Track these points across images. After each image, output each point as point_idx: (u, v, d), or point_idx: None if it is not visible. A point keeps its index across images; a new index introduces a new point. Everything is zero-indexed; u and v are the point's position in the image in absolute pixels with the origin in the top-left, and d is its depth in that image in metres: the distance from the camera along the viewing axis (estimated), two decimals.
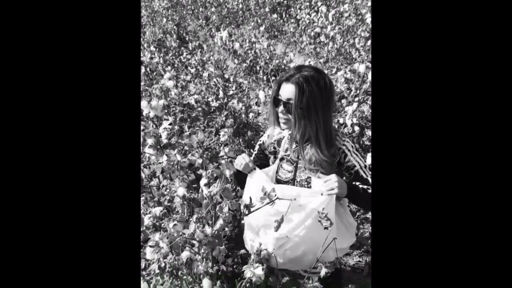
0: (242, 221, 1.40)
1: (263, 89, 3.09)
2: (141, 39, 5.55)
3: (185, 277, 1.14)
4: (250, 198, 1.12)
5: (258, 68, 4.12)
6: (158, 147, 1.33)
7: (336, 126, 2.26)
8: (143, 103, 1.81)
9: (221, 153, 1.26)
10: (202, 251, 1.11)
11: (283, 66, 4.02)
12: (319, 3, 6.33)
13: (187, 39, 6.48)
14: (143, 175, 1.47)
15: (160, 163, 1.29)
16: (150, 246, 1.02)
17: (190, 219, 1.07)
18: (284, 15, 7.36)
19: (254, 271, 1.00)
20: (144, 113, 1.87)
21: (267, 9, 7.51)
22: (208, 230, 1.02)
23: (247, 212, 1.10)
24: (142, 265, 1.75)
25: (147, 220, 1.21)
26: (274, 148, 1.40)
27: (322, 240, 1.05)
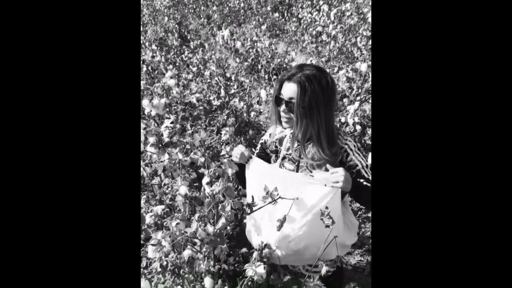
0: (244, 221, 1.40)
1: (264, 88, 3.09)
2: (143, 38, 5.55)
3: (186, 275, 1.14)
4: (252, 197, 1.12)
5: (259, 67, 4.12)
6: (160, 145, 1.33)
7: (338, 125, 2.25)
8: (145, 102, 1.81)
9: (223, 152, 1.27)
10: (204, 249, 1.11)
11: (284, 65, 4.01)
12: (321, 2, 6.32)
13: (188, 37, 6.48)
14: (144, 174, 1.48)
15: (161, 161, 1.29)
16: (152, 245, 1.02)
17: (192, 218, 1.07)
18: (285, 14, 7.35)
19: (255, 270, 1.00)
20: (145, 112, 1.87)
21: (268, 8, 7.51)
22: (210, 228, 1.02)
23: (249, 211, 1.10)
24: (144, 263, 1.75)
25: (148, 219, 1.21)
26: (276, 147, 1.40)
27: (325, 235, 1.05)
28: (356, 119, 2.33)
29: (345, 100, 2.64)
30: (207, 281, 1.09)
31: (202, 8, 8.70)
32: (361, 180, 1.21)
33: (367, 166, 1.26)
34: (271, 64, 4.01)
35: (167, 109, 2.03)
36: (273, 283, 1.24)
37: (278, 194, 1.08)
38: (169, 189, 1.42)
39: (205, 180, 1.10)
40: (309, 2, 6.86)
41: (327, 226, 1.04)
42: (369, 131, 2.42)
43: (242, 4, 7.99)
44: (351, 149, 1.26)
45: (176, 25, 6.78)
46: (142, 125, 1.33)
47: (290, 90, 1.19)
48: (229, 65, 3.76)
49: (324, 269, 1.07)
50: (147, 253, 1.08)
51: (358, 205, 2.40)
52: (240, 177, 1.36)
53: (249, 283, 1.04)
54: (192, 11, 8.90)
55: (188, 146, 1.36)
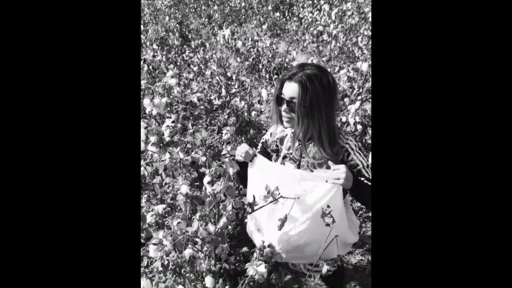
0: (246, 220, 1.40)
1: (265, 88, 3.09)
2: (144, 37, 5.54)
3: (188, 275, 1.14)
4: (254, 196, 1.12)
5: (260, 66, 4.12)
6: (161, 144, 1.33)
7: (339, 125, 2.25)
8: (146, 101, 1.81)
9: (224, 151, 1.27)
10: (205, 249, 1.11)
11: (285, 65, 4.01)
12: (322, 2, 6.31)
13: (189, 37, 6.48)
14: (145, 173, 1.48)
15: (162, 160, 1.29)
16: (154, 244, 1.02)
17: (193, 217, 1.07)
18: (286, 14, 7.34)
19: (256, 269, 1.00)
20: (147, 111, 1.87)
21: (269, 8, 7.50)
22: (211, 228, 1.02)
23: (250, 211, 1.10)
24: (145, 262, 1.75)
25: (149, 218, 1.21)
26: (277, 146, 1.40)
27: (325, 233, 1.05)
28: (357, 119, 2.33)
29: (346, 99, 2.64)
30: (208, 280, 1.10)
31: (203, 7, 8.69)
32: (362, 179, 1.21)
33: (367, 166, 1.26)
34: (272, 64, 4.00)
35: (168, 109, 2.03)
36: (274, 282, 1.24)
37: (279, 193, 1.08)
38: (170, 188, 1.42)
39: (206, 179, 1.10)
40: (310, 2, 6.85)
41: (328, 225, 1.04)
42: (370, 131, 2.42)
43: (243, 4, 7.98)
44: (352, 149, 1.26)
45: (177, 25, 6.78)
46: (144, 124, 1.33)
47: (291, 89, 1.19)
48: (230, 64, 3.76)
49: (325, 268, 1.07)
50: (148, 252, 1.08)
51: (359, 204, 2.40)
52: (242, 176, 1.36)
53: (251, 282, 1.04)
54: (193, 10, 8.90)
55: (189, 146, 1.36)
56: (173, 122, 1.49)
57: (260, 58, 4.20)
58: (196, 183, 1.62)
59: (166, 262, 1.02)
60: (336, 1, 6.34)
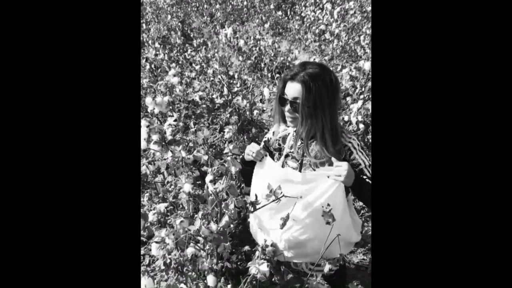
0: (248, 219, 1.40)
1: (267, 86, 3.09)
2: (146, 36, 5.55)
3: (190, 273, 1.15)
4: (256, 195, 1.12)
5: (262, 65, 4.12)
6: (163, 143, 1.33)
7: (341, 124, 2.25)
8: (148, 100, 1.81)
9: (226, 150, 1.27)
10: (207, 247, 1.11)
11: (287, 64, 4.01)
12: (324, 0, 6.30)
13: (191, 36, 6.47)
14: (147, 171, 1.48)
15: (165, 159, 1.29)
16: (156, 242, 1.02)
17: (196, 216, 1.07)
18: (289, 12, 7.34)
19: (259, 268, 1.00)
20: (149, 110, 1.87)
21: (271, 6, 7.49)
22: (213, 226, 1.02)
23: (252, 210, 1.10)
24: (147, 261, 1.75)
25: (151, 216, 1.21)
26: (279, 145, 1.40)
27: (327, 229, 1.05)
28: (359, 118, 2.33)
29: (348, 98, 2.63)
30: (210, 279, 1.10)
31: (205, 6, 8.69)
32: (364, 177, 1.21)
33: (369, 165, 1.25)
34: (274, 63, 4.00)
35: (170, 107, 2.03)
36: (275, 281, 1.24)
37: (281, 193, 1.08)
38: (172, 187, 1.42)
39: (209, 178, 1.10)
40: (312, 1, 6.84)
41: (328, 223, 1.04)
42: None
43: (245, 2, 7.97)
44: (354, 148, 1.25)
45: (179, 23, 6.78)
46: (146, 123, 1.33)
47: (294, 90, 1.18)
48: (232, 63, 3.76)
49: (327, 267, 1.07)
50: (150, 250, 1.08)
51: (361, 204, 2.40)
52: (245, 175, 1.36)
53: (253, 281, 1.04)
54: (195, 9, 8.90)
55: (191, 144, 1.36)
56: (175, 120, 1.49)
57: (262, 57, 4.20)
58: (198, 182, 1.62)
59: (168, 261, 1.02)
60: (338, 0, 6.33)
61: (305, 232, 1.19)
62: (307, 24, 5.96)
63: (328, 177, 1.12)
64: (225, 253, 1.10)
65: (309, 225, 1.18)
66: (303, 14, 6.55)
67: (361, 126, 2.31)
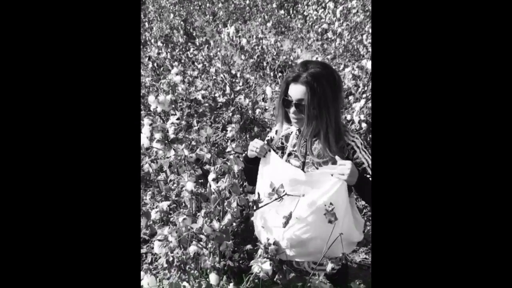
0: (252, 218, 1.40)
1: (270, 85, 3.09)
2: (149, 35, 5.55)
3: (192, 271, 1.15)
4: (258, 194, 1.12)
5: (265, 64, 4.11)
6: (166, 141, 1.33)
7: (344, 123, 2.24)
8: (151, 98, 1.81)
9: (229, 149, 1.27)
10: (210, 245, 1.11)
11: (290, 62, 4.00)
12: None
13: (194, 34, 6.47)
14: (150, 170, 1.48)
15: (167, 157, 1.30)
16: (159, 240, 1.02)
17: (198, 214, 1.07)
18: (291, 11, 7.33)
19: (261, 266, 1.00)
20: (151, 108, 1.87)
21: (274, 5, 7.48)
22: (216, 225, 1.02)
23: (255, 208, 1.10)
24: (149, 259, 1.76)
25: (154, 214, 1.22)
26: (282, 143, 1.40)
27: (329, 228, 1.05)
28: (362, 117, 2.32)
29: (350, 97, 2.63)
30: (212, 277, 1.10)
31: (208, 5, 8.69)
32: (367, 176, 1.21)
33: None
34: (277, 61, 4.00)
35: (173, 106, 2.03)
36: (278, 280, 1.24)
37: (284, 191, 1.08)
38: (175, 185, 1.42)
39: (211, 176, 1.10)
40: (315, 0, 6.83)
41: (330, 222, 1.04)
42: None
43: (247, 1, 7.96)
44: (357, 147, 1.25)
45: (182, 22, 6.78)
46: (149, 121, 1.33)
47: (298, 91, 1.18)
48: (235, 62, 3.75)
49: (329, 266, 1.07)
50: (153, 248, 1.08)
51: (363, 203, 2.40)
52: (249, 173, 1.36)
53: (255, 280, 1.04)
54: (198, 8, 8.89)
55: (194, 143, 1.37)
56: (178, 119, 1.49)
57: (265, 55, 4.19)
58: (200, 180, 1.62)
59: (171, 259, 1.03)
60: None
61: (307, 231, 1.19)
62: (310, 23, 5.95)
63: (332, 175, 1.13)
64: (228, 251, 1.10)
65: (312, 224, 1.18)
66: (305, 13, 6.54)
67: (364, 125, 2.30)
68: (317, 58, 3.72)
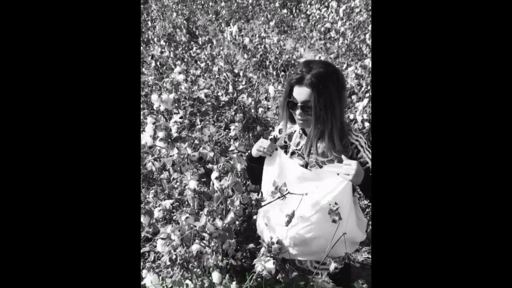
0: (254, 217, 1.40)
1: (272, 84, 3.08)
2: (152, 34, 5.56)
3: (195, 270, 1.15)
4: (261, 192, 1.12)
5: (267, 63, 4.12)
6: (169, 140, 1.33)
7: (347, 122, 2.24)
8: (154, 97, 1.81)
9: (231, 148, 1.27)
10: (212, 244, 1.11)
11: (292, 61, 4.00)
12: None
13: (197, 33, 6.48)
14: (153, 168, 1.48)
15: (170, 156, 1.30)
16: (162, 239, 1.02)
17: (201, 212, 1.07)
18: (294, 10, 7.32)
19: (265, 265, 1.00)
20: (154, 107, 1.87)
21: (277, 4, 7.48)
22: (218, 223, 1.02)
23: (258, 206, 1.10)
24: (152, 257, 1.76)
25: (157, 213, 1.22)
26: (285, 142, 1.40)
27: (333, 227, 1.05)
28: (365, 116, 2.32)
29: (353, 97, 2.63)
30: (215, 275, 1.10)
31: (210, 4, 8.69)
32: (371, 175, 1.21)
33: None
34: (279, 60, 4.00)
35: (176, 104, 2.03)
36: (280, 280, 1.24)
37: (287, 190, 1.08)
38: (178, 183, 1.43)
39: (214, 174, 1.10)
40: None
41: (334, 221, 1.04)
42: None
43: (250, 0, 7.96)
44: (361, 146, 1.25)
45: (185, 21, 6.78)
46: (152, 120, 1.33)
47: (303, 94, 1.17)
48: (237, 61, 3.76)
49: (332, 266, 1.07)
50: (155, 247, 1.08)
51: (366, 202, 2.39)
52: (251, 172, 1.36)
53: (258, 278, 1.04)
54: (200, 7, 8.90)
55: (197, 141, 1.37)
56: (181, 118, 1.49)
57: (268, 54, 4.20)
58: (203, 179, 1.62)
59: (173, 257, 1.03)
60: None
61: (311, 230, 1.19)
62: (313, 22, 5.94)
63: (338, 174, 1.13)
64: (230, 250, 1.11)
65: (316, 223, 1.18)
66: (308, 12, 6.53)
67: (367, 124, 2.30)
68: (320, 57, 3.72)
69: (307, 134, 1.32)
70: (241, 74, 2.99)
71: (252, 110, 2.65)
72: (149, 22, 6.72)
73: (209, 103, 2.57)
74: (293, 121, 1.30)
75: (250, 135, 2.52)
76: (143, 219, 1.15)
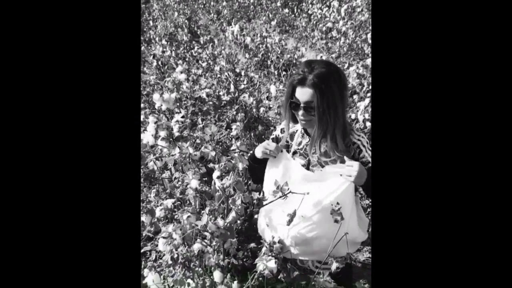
0: (256, 216, 1.40)
1: (274, 84, 3.08)
2: (153, 33, 5.57)
3: (196, 269, 1.15)
4: (263, 192, 1.12)
5: (269, 63, 4.11)
6: (171, 139, 1.33)
7: (349, 121, 2.24)
8: (156, 96, 1.82)
9: (233, 147, 1.27)
10: (214, 243, 1.11)
11: (294, 61, 4.00)
12: None
13: (198, 33, 6.48)
14: (155, 167, 1.49)
15: (172, 155, 1.30)
16: (163, 238, 1.02)
17: (203, 211, 1.07)
18: (295, 10, 7.32)
19: (266, 264, 1.00)
20: (156, 106, 1.88)
21: (278, 4, 7.48)
22: (220, 222, 1.02)
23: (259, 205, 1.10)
24: (153, 256, 1.77)
25: (158, 212, 1.22)
26: (287, 141, 1.40)
27: (335, 227, 1.05)
28: (367, 116, 2.32)
29: (355, 96, 2.62)
30: (216, 274, 1.10)
31: (212, 3, 8.69)
32: None
33: None
34: (281, 60, 3.99)
35: (178, 104, 2.03)
36: (282, 279, 1.24)
37: (288, 189, 1.08)
38: (179, 183, 1.43)
39: (216, 174, 1.10)
40: None
41: (336, 221, 1.04)
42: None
43: (251, 0, 7.96)
44: (364, 146, 1.25)
45: (186, 21, 6.79)
46: (154, 119, 1.34)
47: (306, 95, 1.17)
48: (239, 60, 3.75)
49: (334, 265, 1.07)
50: (157, 246, 1.08)
51: (367, 202, 2.39)
52: (252, 172, 1.36)
53: (260, 278, 1.05)
54: (202, 6, 8.90)
55: (198, 141, 1.37)
56: (182, 117, 1.49)
57: (269, 54, 4.19)
58: (204, 178, 1.63)
59: (175, 256, 1.03)
60: None
61: (312, 230, 1.19)
62: (314, 22, 5.94)
63: (341, 175, 1.12)
64: (232, 249, 1.11)
65: (317, 223, 1.17)
66: (310, 12, 6.53)
67: (368, 124, 2.30)
68: (321, 57, 3.71)
69: (309, 133, 1.32)
70: (242, 73, 2.99)
71: (254, 110, 2.65)
72: (151, 22, 6.73)
73: (211, 103, 2.58)
74: (295, 121, 1.30)
75: (252, 134, 2.52)
76: (145, 218, 1.15)
